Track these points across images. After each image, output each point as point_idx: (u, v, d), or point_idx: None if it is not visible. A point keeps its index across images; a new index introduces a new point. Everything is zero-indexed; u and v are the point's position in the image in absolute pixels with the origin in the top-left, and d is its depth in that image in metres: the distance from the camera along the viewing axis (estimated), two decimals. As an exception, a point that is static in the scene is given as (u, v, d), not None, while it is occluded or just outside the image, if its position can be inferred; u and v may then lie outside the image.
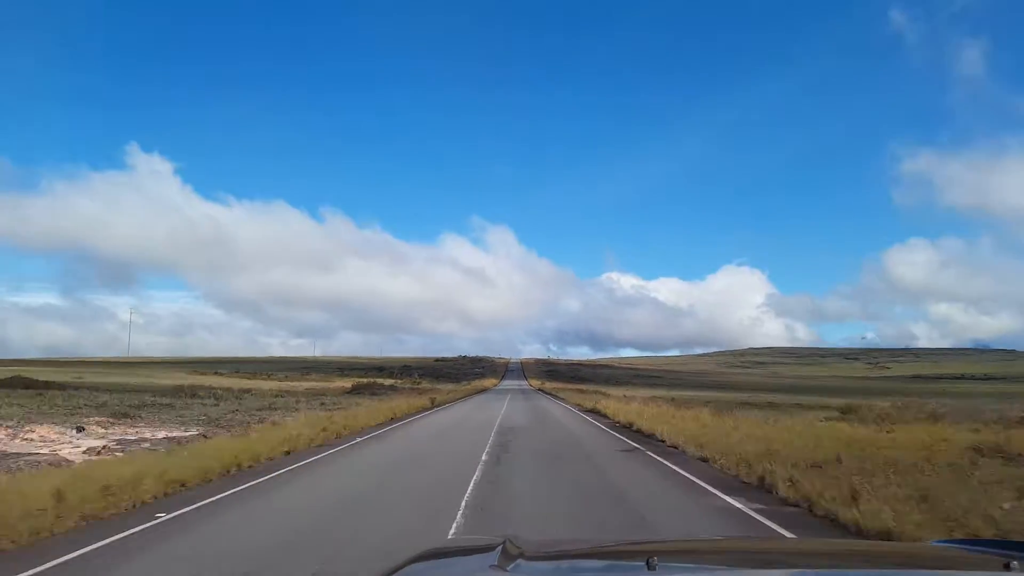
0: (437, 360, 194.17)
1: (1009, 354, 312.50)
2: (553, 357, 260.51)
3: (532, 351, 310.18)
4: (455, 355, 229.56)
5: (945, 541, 2.34)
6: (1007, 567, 1.50)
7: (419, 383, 77.36)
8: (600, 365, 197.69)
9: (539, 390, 77.66)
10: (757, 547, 2.66)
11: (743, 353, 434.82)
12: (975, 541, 2.14)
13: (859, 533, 7.21)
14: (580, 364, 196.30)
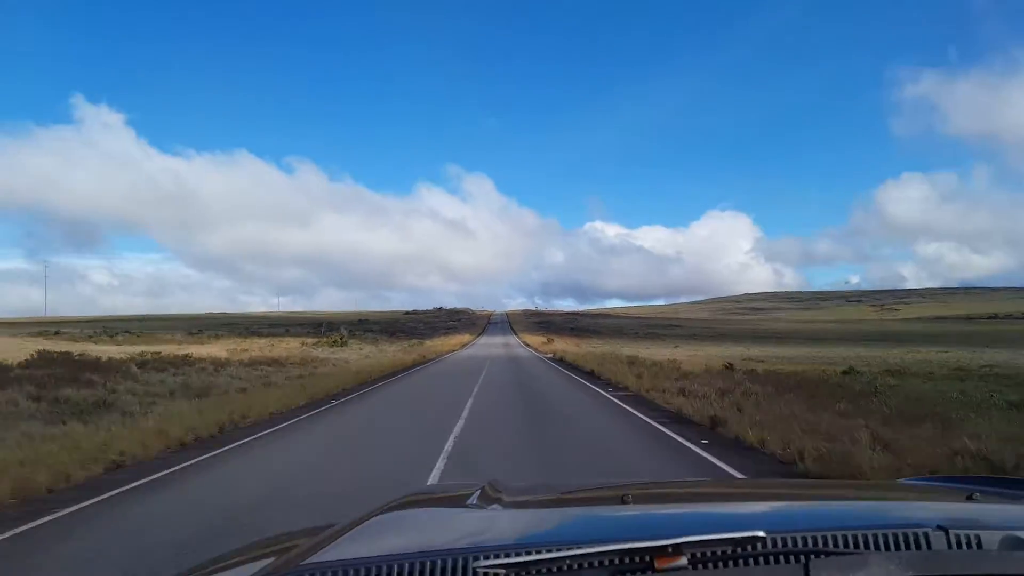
0: (407, 313, 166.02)
1: (1008, 292, 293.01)
2: (542, 308, 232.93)
3: (517, 305, 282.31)
4: (432, 307, 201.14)
5: (913, 479, 2.42)
6: (970, 498, 1.62)
7: (341, 340, 47.69)
8: (600, 315, 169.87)
9: (537, 353, 48.28)
10: (725, 488, 2.71)
11: (738, 299, 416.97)
12: (942, 477, 2.24)
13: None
14: (576, 314, 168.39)
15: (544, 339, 66.96)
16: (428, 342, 61.82)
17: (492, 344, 67.49)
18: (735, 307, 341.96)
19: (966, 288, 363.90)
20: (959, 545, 1.28)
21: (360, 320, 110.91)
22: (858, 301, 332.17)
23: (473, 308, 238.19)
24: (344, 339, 47.93)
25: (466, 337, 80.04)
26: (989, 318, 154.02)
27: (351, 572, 1.19)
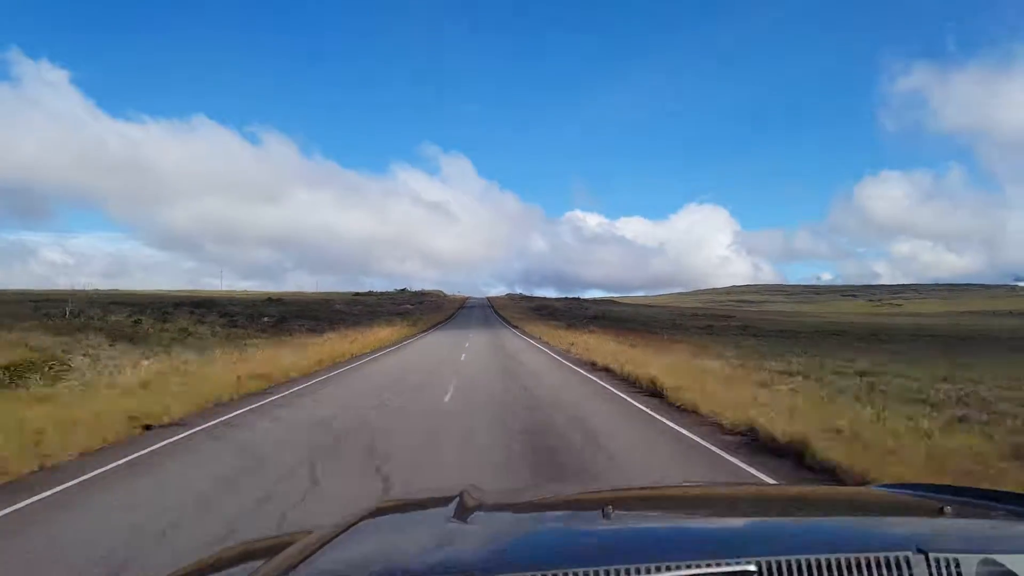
0: (356, 295, 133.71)
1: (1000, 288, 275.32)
2: (525, 295, 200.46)
3: (497, 293, 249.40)
4: (395, 289, 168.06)
5: (886, 486, 2.41)
6: (941, 511, 1.61)
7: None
8: (606, 302, 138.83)
9: (608, 384, 16.30)
10: (707, 495, 2.59)
11: (728, 291, 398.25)
12: (915, 486, 2.24)
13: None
14: (579, 300, 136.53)
15: (567, 334, 36.10)
16: (318, 340, 29.68)
17: (458, 345, 31.11)
18: (727, 299, 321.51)
19: (968, 284, 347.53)
20: (939, 570, 1.28)
21: (269, 300, 78.96)
22: (853, 296, 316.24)
23: (446, 292, 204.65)
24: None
25: (404, 330, 43.72)
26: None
27: None
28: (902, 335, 56.46)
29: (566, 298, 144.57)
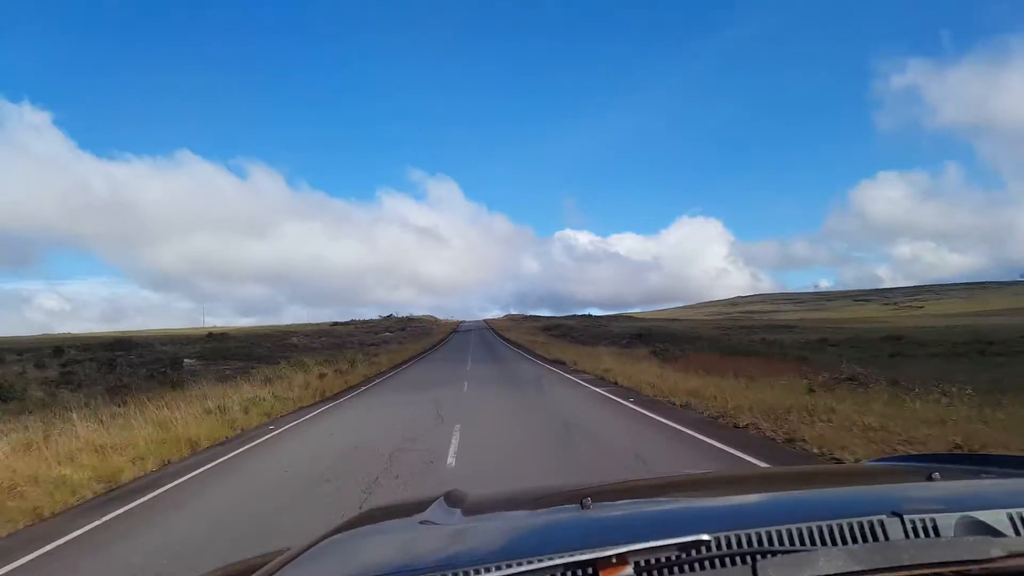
0: (334, 324, 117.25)
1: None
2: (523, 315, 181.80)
3: (493, 316, 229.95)
4: (379, 316, 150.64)
5: (879, 460, 2.33)
6: (929, 478, 1.63)
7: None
8: (622, 318, 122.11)
9: None
10: (687, 479, 2.55)
11: (733, 302, 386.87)
12: (905, 457, 2.18)
13: None
14: (590, 318, 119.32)
15: (632, 368, 19.76)
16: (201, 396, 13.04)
17: (445, 406, 15.55)
18: (735, 310, 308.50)
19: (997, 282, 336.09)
20: (915, 532, 1.25)
21: (210, 335, 62.57)
22: (866, 300, 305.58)
23: (439, 317, 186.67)
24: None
25: (357, 373, 27.34)
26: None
27: None
28: (1010, 343, 40.48)
29: (574, 316, 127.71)
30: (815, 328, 74.95)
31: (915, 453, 2.24)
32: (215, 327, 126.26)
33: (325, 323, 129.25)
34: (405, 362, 37.38)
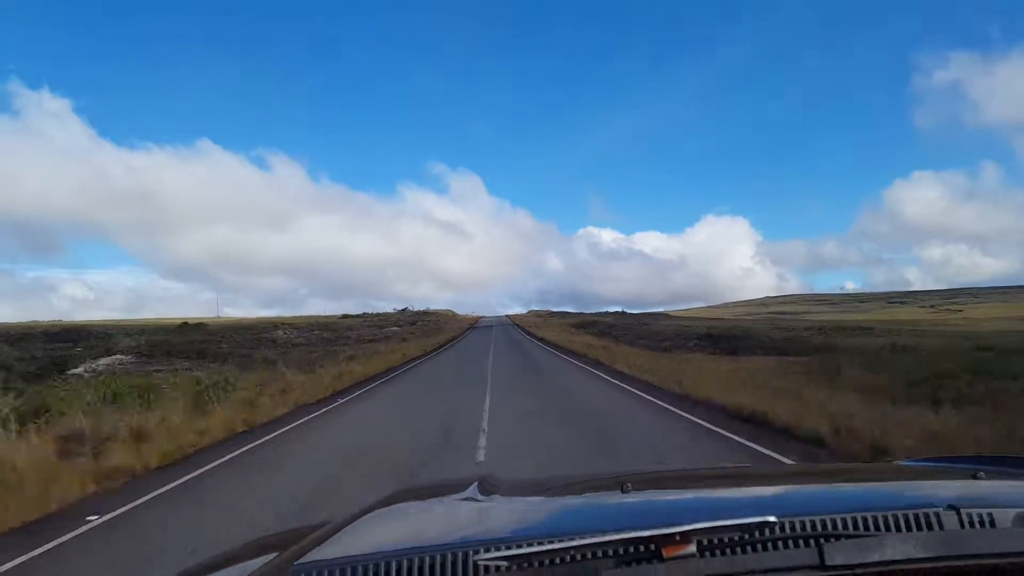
0: (343, 316, 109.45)
1: None
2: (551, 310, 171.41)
3: (514, 312, 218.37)
4: (395, 309, 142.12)
5: (912, 460, 2.37)
6: (975, 477, 1.62)
7: None
8: (659, 316, 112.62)
9: None
10: (730, 474, 2.53)
11: (763, 302, 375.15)
12: (944, 458, 2.20)
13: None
14: (625, 315, 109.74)
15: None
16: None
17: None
18: (765, 311, 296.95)
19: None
20: (971, 524, 1.27)
21: (184, 325, 54.67)
22: (901, 302, 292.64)
23: (458, 312, 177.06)
24: None
25: (303, 390, 16.19)
26: None
27: (348, 570, 1.14)
28: None
29: (606, 313, 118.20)
30: (891, 331, 64.89)
31: (954, 455, 1.97)
32: (214, 318, 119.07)
33: (334, 315, 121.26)
34: (392, 369, 28.06)
